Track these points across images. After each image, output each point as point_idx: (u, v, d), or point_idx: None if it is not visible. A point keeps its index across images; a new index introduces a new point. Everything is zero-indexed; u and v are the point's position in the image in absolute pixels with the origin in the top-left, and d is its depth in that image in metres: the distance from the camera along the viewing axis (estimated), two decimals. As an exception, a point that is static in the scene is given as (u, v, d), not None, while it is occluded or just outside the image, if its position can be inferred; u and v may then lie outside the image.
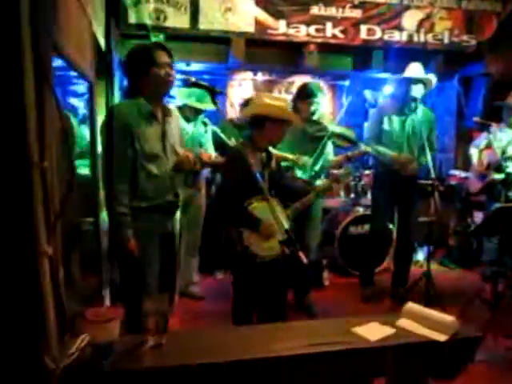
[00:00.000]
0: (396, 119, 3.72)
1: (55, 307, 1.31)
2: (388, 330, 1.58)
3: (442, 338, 1.53)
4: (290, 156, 3.35)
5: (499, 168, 4.10)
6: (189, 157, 2.30)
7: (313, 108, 3.45)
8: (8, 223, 1.21)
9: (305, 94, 3.46)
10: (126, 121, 2.08)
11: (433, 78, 3.65)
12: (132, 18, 4.54)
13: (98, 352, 1.30)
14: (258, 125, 2.53)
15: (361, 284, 4.01)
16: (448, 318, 1.59)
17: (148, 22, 4.59)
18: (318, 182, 3.42)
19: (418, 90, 3.59)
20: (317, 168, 3.50)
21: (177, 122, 2.44)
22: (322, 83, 5.89)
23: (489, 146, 4.27)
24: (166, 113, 2.26)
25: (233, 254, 2.45)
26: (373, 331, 1.57)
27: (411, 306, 1.71)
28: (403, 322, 1.64)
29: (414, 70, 3.66)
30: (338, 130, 3.77)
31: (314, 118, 3.51)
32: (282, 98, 2.71)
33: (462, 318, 1.75)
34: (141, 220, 2.13)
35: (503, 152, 4.10)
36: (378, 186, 3.97)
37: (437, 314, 1.63)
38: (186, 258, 3.76)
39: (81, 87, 3.79)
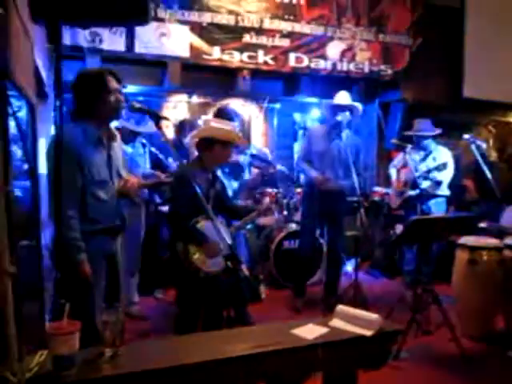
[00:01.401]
0: (323, 142, 4.04)
1: (16, 324, 1.37)
2: (322, 330, 1.79)
3: (369, 333, 1.76)
4: None
5: (414, 185, 4.56)
6: (134, 184, 2.37)
7: None
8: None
9: (223, 118, 3.66)
10: (74, 146, 2.09)
11: (358, 105, 4.01)
12: (66, 40, 4.54)
13: (60, 364, 1.37)
14: (207, 147, 2.70)
15: (293, 295, 4.25)
16: (373, 316, 1.83)
17: (83, 44, 4.62)
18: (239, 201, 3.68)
19: (344, 117, 3.90)
20: (235, 185, 3.74)
21: (119, 145, 2.52)
22: (254, 106, 6.25)
23: (405, 165, 4.74)
24: (112, 137, 2.33)
25: (178, 269, 2.57)
26: (309, 331, 1.78)
27: (342, 307, 1.94)
28: (335, 322, 1.86)
29: (342, 97, 4.00)
30: (255, 151, 4.08)
31: None
32: (228, 122, 2.92)
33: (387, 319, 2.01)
34: (89, 243, 2.16)
35: (416, 170, 4.58)
36: (306, 203, 4.24)
37: (363, 313, 1.87)
38: (126, 278, 3.77)
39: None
